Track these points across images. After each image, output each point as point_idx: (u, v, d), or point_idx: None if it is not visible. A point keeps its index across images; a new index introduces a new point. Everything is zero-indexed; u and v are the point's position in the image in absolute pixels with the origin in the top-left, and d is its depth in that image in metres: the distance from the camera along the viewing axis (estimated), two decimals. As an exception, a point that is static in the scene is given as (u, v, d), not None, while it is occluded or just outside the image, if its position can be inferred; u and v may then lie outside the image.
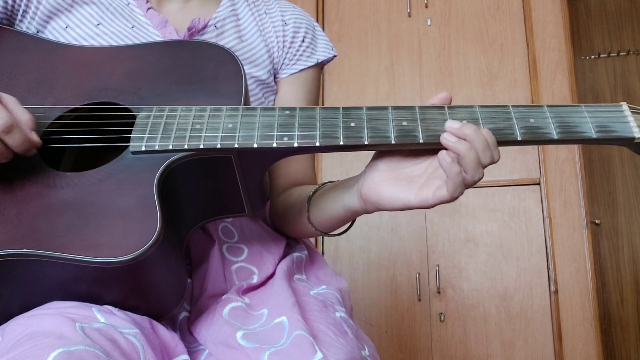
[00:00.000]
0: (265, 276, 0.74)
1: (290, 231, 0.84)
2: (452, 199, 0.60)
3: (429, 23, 2.22)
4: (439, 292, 1.95)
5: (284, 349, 0.57)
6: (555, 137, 0.61)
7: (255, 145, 0.61)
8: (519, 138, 0.61)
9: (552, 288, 1.86)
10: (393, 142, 0.61)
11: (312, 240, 1.97)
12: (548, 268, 1.88)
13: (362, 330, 0.75)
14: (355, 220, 0.76)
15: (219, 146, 0.61)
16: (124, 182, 0.60)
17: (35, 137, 0.61)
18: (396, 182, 0.63)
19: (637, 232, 2.62)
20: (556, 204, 1.91)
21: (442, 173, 0.60)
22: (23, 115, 0.60)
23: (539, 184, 1.96)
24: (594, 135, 0.61)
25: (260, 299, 0.70)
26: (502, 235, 1.95)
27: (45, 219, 0.57)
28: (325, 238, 2.10)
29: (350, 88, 2.24)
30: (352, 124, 0.62)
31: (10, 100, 0.60)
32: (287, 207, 0.83)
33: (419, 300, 1.96)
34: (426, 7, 2.24)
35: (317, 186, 0.78)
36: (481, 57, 2.14)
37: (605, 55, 2.84)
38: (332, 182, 0.76)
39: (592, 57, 2.86)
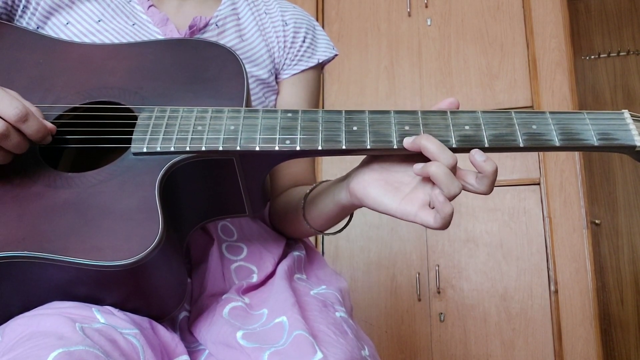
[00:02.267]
0: (265, 275, 0.74)
1: (288, 230, 0.84)
2: (439, 228, 0.59)
3: (429, 23, 2.22)
4: (439, 292, 1.95)
5: (284, 349, 0.57)
6: (557, 144, 0.60)
7: (257, 148, 0.61)
8: (521, 145, 0.60)
9: (552, 288, 1.86)
10: (395, 146, 0.61)
11: (312, 240, 1.97)
12: (548, 268, 1.88)
13: (362, 330, 0.75)
14: (351, 219, 0.76)
15: (221, 148, 0.61)
16: (125, 184, 0.60)
17: (50, 124, 0.61)
18: (384, 185, 0.63)
19: (637, 232, 2.62)
20: (556, 204, 1.91)
21: (428, 185, 0.60)
22: (30, 106, 0.60)
23: (539, 184, 1.96)
24: (596, 143, 0.60)
25: (260, 299, 0.70)
26: (502, 235, 1.95)
27: (46, 220, 0.57)
28: (325, 238, 2.10)
29: (350, 88, 2.24)
30: (355, 128, 0.62)
31: (13, 94, 0.60)
32: (285, 206, 0.83)
33: (419, 300, 1.96)
34: (426, 7, 2.24)
35: (314, 185, 0.78)
36: (481, 57, 2.14)
37: (605, 55, 2.84)
38: (328, 180, 0.76)
39: (592, 57, 2.86)
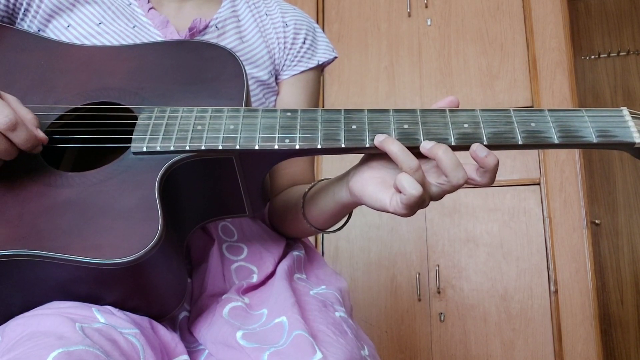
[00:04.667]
0: (265, 275, 0.74)
1: (288, 229, 0.84)
2: (408, 210, 0.59)
3: (429, 23, 2.22)
4: (439, 292, 1.95)
5: (284, 349, 0.57)
6: (556, 141, 0.61)
7: (256, 147, 0.61)
8: (520, 142, 0.60)
9: (552, 288, 1.86)
10: None
11: (312, 240, 1.97)
12: (548, 268, 1.89)
13: (362, 330, 0.75)
14: (350, 217, 0.76)
15: (220, 147, 0.61)
16: (125, 183, 0.60)
17: (41, 134, 0.61)
18: (381, 182, 0.63)
19: (637, 232, 2.62)
20: (556, 204, 1.91)
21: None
22: (27, 114, 0.60)
23: (539, 184, 1.96)
24: (595, 140, 0.61)
25: (260, 299, 0.70)
26: (502, 235, 1.96)
27: (47, 219, 0.57)
28: (325, 238, 2.10)
29: (350, 88, 2.24)
30: (354, 127, 0.62)
31: (12, 99, 0.61)
32: (284, 205, 0.83)
33: (419, 300, 1.96)
34: (426, 7, 2.24)
35: (313, 183, 0.78)
36: (481, 57, 2.14)
37: (605, 55, 2.84)
38: (327, 179, 0.76)
39: (592, 57, 2.86)
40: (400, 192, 0.58)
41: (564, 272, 1.86)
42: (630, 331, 2.52)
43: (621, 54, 2.82)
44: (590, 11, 2.93)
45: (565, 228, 1.89)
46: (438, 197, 0.61)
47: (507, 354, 1.86)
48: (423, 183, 0.59)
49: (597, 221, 2.52)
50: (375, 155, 0.65)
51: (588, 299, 1.82)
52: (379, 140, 0.61)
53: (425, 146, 0.60)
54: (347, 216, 0.76)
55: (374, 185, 0.63)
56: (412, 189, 0.57)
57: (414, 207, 0.59)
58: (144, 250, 0.53)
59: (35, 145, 0.61)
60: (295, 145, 0.61)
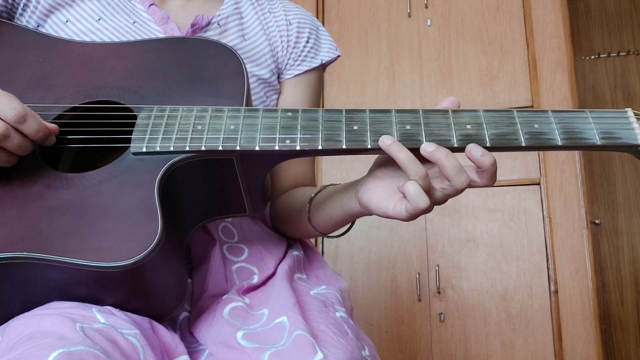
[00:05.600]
0: (266, 276, 0.74)
1: (290, 231, 0.84)
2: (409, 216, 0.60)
3: (429, 23, 2.22)
4: (439, 292, 1.95)
5: (285, 349, 0.57)
6: (560, 143, 0.60)
7: (257, 148, 0.61)
8: (523, 144, 0.60)
9: (552, 288, 1.86)
10: None
11: (312, 240, 1.97)
12: (548, 268, 1.88)
13: (362, 330, 0.75)
14: (354, 222, 0.76)
15: (220, 148, 0.61)
16: (125, 184, 0.60)
17: (50, 124, 0.61)
18: (385, 190, 0.63)
19: (637, 232, 2.62)
20: (556, 204, 1.91)
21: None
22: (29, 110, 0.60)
23: (539, 184, 1.96)
24: (599, 142, 0.60)
25: (261, 299, 0.70)
26: (502, 235, 1.95)
27: (46, 220, 0.57)
28: (326, 239, 2.10)
29: (350, 88, 2.23)
30: (355, 127, 0.62)
31: (12, 96, 0.60)
32: (287, 208, 0.83)
33: (419, 300, 1.96)
34: (426, 7, 2.23)
35: (318, 188, 0.78)
36: (481, 57, 2.13)
37: (605, 55, 2.84)
38: (334, 184, 0.76)
39: (592, 57, 2.86)
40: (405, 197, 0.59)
41: (564, 272, 1.86)
42: (630, 331, 2.52)
43: (621, 54, 2.82)
44: (590, 11, 2.93)
45: (565, 228, 1.89)
46: (442, 201, 0.61)
47: (507, 354, 1.86)
48: (429, 190, 0.59)
49: (597, 221, 2.51)
50: (381, 164, 0.65)
51: (588, 299, 1.81)
52: (386, 144, 0.60)
53: (427, 149, 0.59)
54: (350, 222, 0.76)
55: (378, 194, 0.63)
56: (420, 201, 0.58)
57: (418, 215, 0.59)
58: (143, 253, 0.53)
59: (48, 136, 0.61)
60: (296, 146, 0.61)
